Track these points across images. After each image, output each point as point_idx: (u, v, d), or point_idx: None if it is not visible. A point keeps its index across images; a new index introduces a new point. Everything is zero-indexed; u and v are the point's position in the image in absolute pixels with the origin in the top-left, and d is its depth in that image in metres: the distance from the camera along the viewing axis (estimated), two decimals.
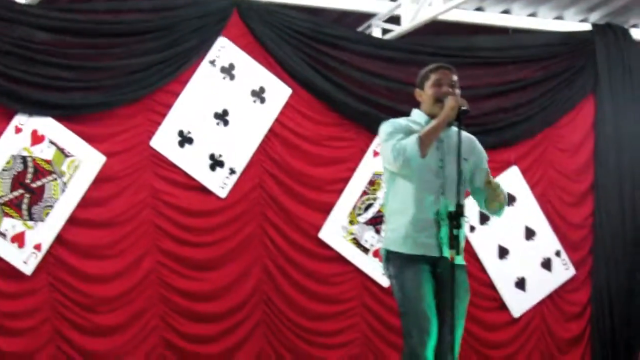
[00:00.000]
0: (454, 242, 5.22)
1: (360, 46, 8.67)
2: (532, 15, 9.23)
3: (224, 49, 8.27)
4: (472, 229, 8.78)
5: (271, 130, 8.39)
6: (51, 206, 7.76)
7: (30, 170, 7.75)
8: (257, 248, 8.35)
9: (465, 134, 5.47)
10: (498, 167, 8.68)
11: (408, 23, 8.56)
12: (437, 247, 5.39)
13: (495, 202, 5.53)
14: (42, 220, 7.73)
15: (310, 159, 8.50)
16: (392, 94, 8.61)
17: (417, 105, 5.68)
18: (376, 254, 8.33)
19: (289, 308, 8.38)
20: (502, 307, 8.98)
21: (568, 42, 9.22)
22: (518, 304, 9.01)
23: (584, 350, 9.20)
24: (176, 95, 8.14)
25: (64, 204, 7.79)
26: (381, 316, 8.55)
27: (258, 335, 8.32)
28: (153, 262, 8.07)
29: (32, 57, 7.72)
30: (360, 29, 9.06)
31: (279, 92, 8.40)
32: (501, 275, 8.97)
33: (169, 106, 8.12)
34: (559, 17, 9.36)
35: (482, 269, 8.90)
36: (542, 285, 9.09)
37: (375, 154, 8.45)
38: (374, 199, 8.60)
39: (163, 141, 8.09)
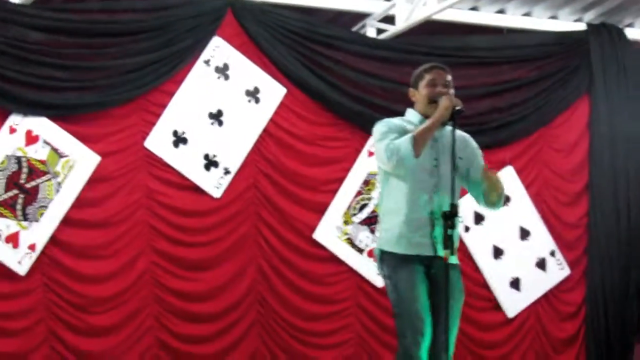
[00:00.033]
0: (448, 242, 5.22)
1: (354, 46, 8.67)
2: (527, 15, 9.23)
3: (218, 49, 8.26)
4: (467, 229, 8.78)
5: (266, 130, 8.39)
6: (45, 206, 7.75)
7: (25, 170, 7.73)
8: (252, 248, 8.34)
9: (459, 132, 5.47)
10: (493, 167, 8.58)
11: (402, 23, 8.56)
12: (431, 246, 5.39)
13: (494, 192, 5.50)
14: (36, 220, 7.72)
15: (304, 159, 8.50)
16: (386, 94, 8.61)
17: (411, 105, 5.67)
18: (371, 254, 8.33)
19: (283, 308, 8.37)
20: (497, 307, 8.98)
21: (563, 41, 9.22)
22: (513, 304, 9.01)
23: (578, 350, 9.20)
24: (170, 95, 8.14)
25: (58, 204, 7.78)
26: (376, 316, 8.55)
27: (252, 336, 8.31)
28: (147, 263, 8.06)
29: (26, 57, 7.71)
30: (354, 28, 9.05)
31: (274, 92, 8.40)
32: (496, 275, 8.97)
33: (163, 106, 8.12)
34: (554, 17, 9.36)
35: (477, 269, 8.90)
36: (537, 285, 9.08)
37: (370, 153, 8.45)
38: (369, 199, 8.60)
39: (157, 141, 8.08)
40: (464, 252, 8.62)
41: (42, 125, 7.78)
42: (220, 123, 8.24)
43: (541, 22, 9.30)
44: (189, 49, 8.17)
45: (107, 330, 7.92)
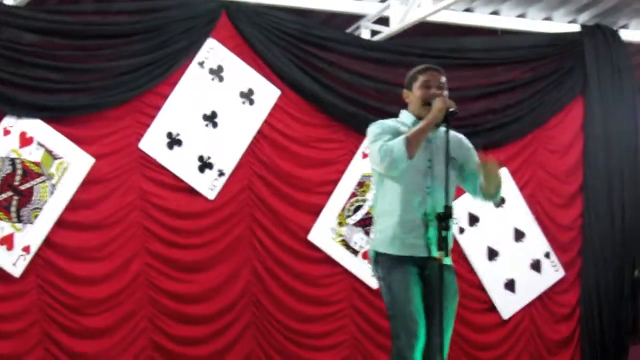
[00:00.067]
0: (442, 243, 5.21)
1: (348, 47, 8.67)
2: (521, 16, 9.23)
3: (212, 51, 8.26)
4: (462, 230, 8.78)
5: (260, 132, 8.38)
6: (40, 208, 7.74)
7: (19, 172, 7.72)
8: (246, 250, 8.33)
9: (453, 132, 5.46)
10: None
11: (397, 24, 8.56)
12: (425, 247, 5.37)
13: (491, 184, 5.48)
14: (30, 222, 7.71)
15: (299, 160, 8.49)
16: (380, 95, 8.61)
17: (405, 106, 5.67)
18: (365, 255, 8.33)
19: (278, 310, 8.36)
20: (492, 308, 8.98)
21: (557, 43, 9.22)
22: (507, 305, 9.00)
23: (573, 351, 9.20)
24: (165, 97, 8.13)
25: (52, 206, 7.77)
26: (370, 318, 8.55)
27: (247, 337, 8.30)
28: (142, 264, 8.05)
29: (20, 59, 7.70)
30: (349, 30, 9.05)
31: (268, 94, 8.39)
32: (490, 276, 8.96)
33: (157, 108, 8.11)
34: (548, 18, 9.36)
35: (472, 271, 8.90)
36: (532, 286, 9.08)
37: (364, 155, 8.44)
38: (363, 201, 8.60)
39: (152, 143, 8.08)
40: (459, 254, 8.61)
41: (36, 127, 7.77)
42: (215, 125, 8.24)
43: (535, 23, 9.30)
44: (183, 51, 8.16)
45: (102, 332, 7.91)
